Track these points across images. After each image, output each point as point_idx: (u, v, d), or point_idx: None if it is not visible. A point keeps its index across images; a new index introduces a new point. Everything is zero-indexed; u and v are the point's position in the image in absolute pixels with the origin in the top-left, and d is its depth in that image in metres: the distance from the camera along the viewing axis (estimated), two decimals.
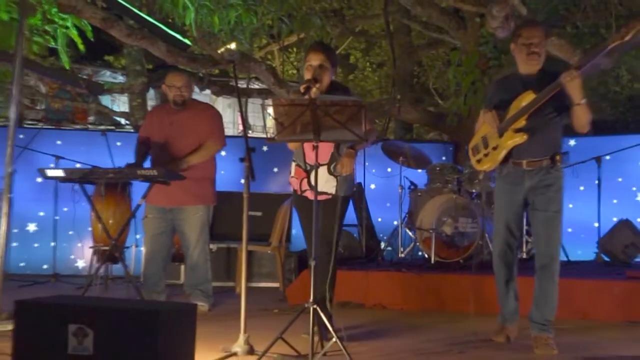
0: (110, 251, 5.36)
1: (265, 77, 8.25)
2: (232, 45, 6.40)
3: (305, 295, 4.00)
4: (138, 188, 5.70)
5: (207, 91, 10.07)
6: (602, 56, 4.06)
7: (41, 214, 7.63)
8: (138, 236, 6.42)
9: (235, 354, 3.75)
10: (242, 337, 3.81)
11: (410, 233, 6.73)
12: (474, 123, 8.55)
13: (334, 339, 3.66)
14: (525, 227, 6.08)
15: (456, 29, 8.94)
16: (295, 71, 15.03)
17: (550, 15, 8.49)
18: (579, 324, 4.98)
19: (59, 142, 7.78)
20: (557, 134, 4.25)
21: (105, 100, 14.92)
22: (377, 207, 7.67)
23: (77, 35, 8.07)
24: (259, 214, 6.74)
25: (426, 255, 6.21)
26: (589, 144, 7.47)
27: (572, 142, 7.75)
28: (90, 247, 6.53)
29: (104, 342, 2.98)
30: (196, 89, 9.97)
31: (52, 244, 7.23)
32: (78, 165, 6.70)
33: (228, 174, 7.21)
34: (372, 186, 8.08)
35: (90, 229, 6.64)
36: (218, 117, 5.45)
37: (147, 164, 5.34)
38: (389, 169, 7.81)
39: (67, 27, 8.01)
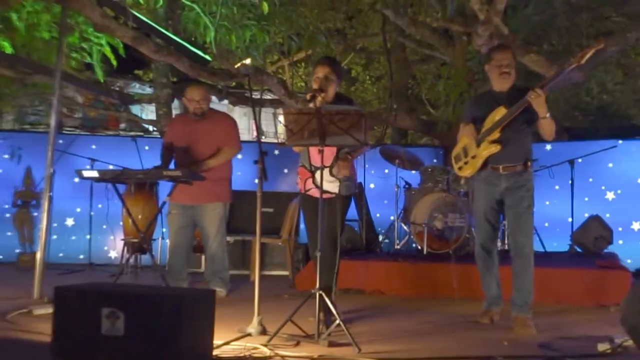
0: (139, 243, 5.37)
1: (276, 89, 8.24)
2: (247, 61, 6.39)
3: (312, 282, 3.99)
4: (164, 187, 5.70)
5: (225, 101, 10.04)
6: (563, 75, 4.20)
7: (78, 210, 7.63)
8: (164, 230, 6.42)
9: (249, 334, 3.74)
10: (255, 319, 3.80)
11: (405, 227, 6.71)
12: None
13: (337, 321, 3.65)
14: (504, 222, 6.09)
15: (446, 46, 8.91)
16: (303, 84, 15.00)
17: (529, 34, 8.48)
18: (554, 308, 4.97)
19: (93, 147, 7.78)
20: (527, 143, 4.36)
21: (135, 109, 14.93)
22: (375, 204, 7.64)
23: (110, 52, 8.09)
24: (271, 210, 6.72)
25: (419, 247, 6.19)
26: (563, 149, 7.46)
27: (548, 147, 7.72)
28: (122, 240, 6.53)
29: (134, 324, 2.97)
30: (215, 99, 9.97)
31: (88, 236, 7.23)
32: (111, 167, 6.70)
33: (244, 174, 7.20)
34: (372, 185, 8.06)
35: (121, 223, 6.64)
36: (234, 125, 5.43)
37: (171, 166, 5.33)
38: (386, 170, 7.78)
39: (101, 45, 8.04)
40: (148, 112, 15.26)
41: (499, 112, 4.23)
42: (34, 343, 3.51)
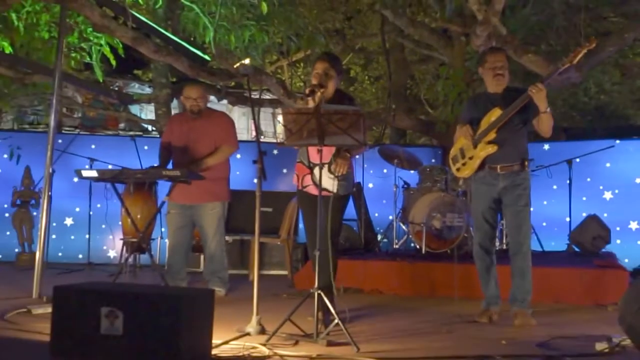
0: (138, 242, 5.36)
1: (275, 89, 8.23)
2: (246, 61, 6.39)
3: (310, 281, 3.99)
4: (163, 187, 5.69)
5: (224, 101, 10.05)
6: (560, 74, 4.26)
7: (77, 209, 7.63)
8: (163, 229, 6.41)
9: (248, 334, 3.74)
10: (254, 319, 3.80)
11: (403, 227, 6.70)
12: None
13: (335, 321, 3.65)
14: (501, 222, 6.13)
15: (444, 46, 8.92)
16: (302, 84, 15.00)
17: (527, 34, 8.47)
18: (552, 307, 4.96)
19: (93, 146, 7.77)
20: (524, 143, 4.42)
21: (134, 109, 14.92)
22: (374, 203, 7.64)
23: (109, 52, 8.08)
24: (269, 209, 6.71)
25: (418, 247, 6.18)
26: (561, 148, 7.46)
27: (546, 147, 7.72)
28: (121, 239, 6.52)
29: (133, 324, 2.97)
30: (214, 99, 9.99)
31: (87, 236, 7.22)
32: (110, 167, 6.69)
33: (243, 174, 7.20)
34: (370, 185, 8.06)
35: (120, 223, 6.63)
36: (231, 123, 5.42)
37: (169, 166, 5.32)
38: (385, 170, 7.78)
39: (101, 45, 8.02)
40: (147, 112, 15.25)
41: (495, 113, 4.30)
42: (33, 342, 3.51)
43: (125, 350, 2.96)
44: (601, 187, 7.61)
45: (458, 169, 4.56)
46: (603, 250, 6.65)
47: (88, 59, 8.38)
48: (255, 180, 3.92)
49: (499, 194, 4.38)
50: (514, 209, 4.33)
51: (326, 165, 4.07)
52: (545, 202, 7.48)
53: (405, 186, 6.84)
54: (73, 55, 8.36)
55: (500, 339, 3.81)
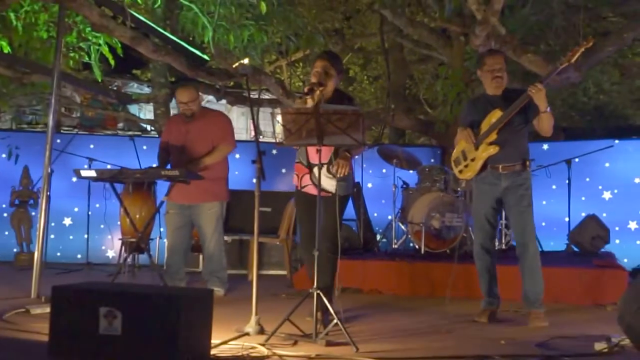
0: (137, 242, 5.36)
1: (274, 89, 8.23)
2: (245, 61, 6.36)
3: (309, 281, 3.98)
4: (162, 187, 5.69)
5: (223, 101, 10.04)
6: (559, 73, 4.29)
7: (76, 209, 7.62)
8: (162, 229, 6.40)
9: (247, 334, 3.73)
10: (253, 319, 3.79)
11: (402, 227, 6.71)
12: None
13: (334, 321, 3.65)
14: (501, 222, 6.15)
15: (443, 46, 8.91)
16: (301, 83, 15.00)
17: (526, 34, 8.47)
18: (551, 307, 4.93)
19: (91, 146, 7.77)
20: (524, 143, 4.45)
21: (133, 109, 14.91)
22: (373, 203, 7.63)
23: (108, 52, 8.06)
24: (268, 209, 6.71)
25: (417, 246, 6.19)
26: (560, 148, 7.46)
27: (545, 147, 7.72)
28: (119, 239, 6.51)
29: (131, 324, 2.97)
30: (213, 99, 9.98)
31: (85, 236, 7.22)
32: (109, 167, 6.68)
33: (242, 174, 7.20)
34: (369, 185, 8.05)
35: (119, 222, 6.62)
36: (228, 122, 5.42)
37: (168, 166, 5.32)
38: (384, 170, 7.78)
39: (99, 45, 8.01)
40: (146, 112, 15.26)
41: (495, 115, 4.33)
42: (31, 342, 3.50)
43: (123, 351, 2.96)
44: (600, 187, 7.61)
45: (460, 171, 4.59)
46: (602, 250, 6.66)
47: (87, 58, 8.37)
48: (254, 180, 3.92)
49: (501, 193, 4.41)
50: (517, 210, 4.37)
51: (325, 166, 4.06)
52: (544, 202, 7.47)
53: (404, 186, 6.84)
54: (71, 54, 8.34)
55: (499, 339, 3.81)
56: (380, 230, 7.55)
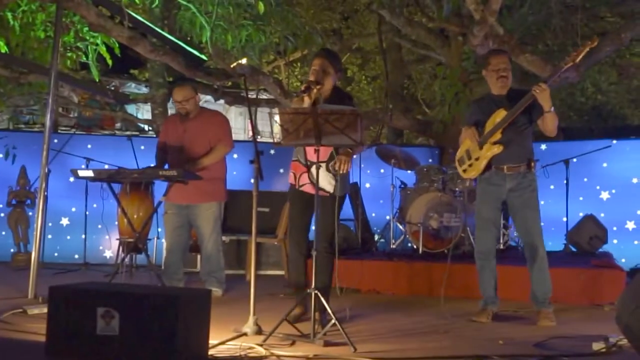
0: (135, 243, 5.35)
1: (272, 89, 8.23)
2: (243, 61, 6.37)
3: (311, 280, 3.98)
4: (159, 187, 5.68)
5: (221, 101, 10.02)
6: (561, 73, 4.29)
7: (73, 209, 7.62)
8: (160, 229, 6.40)
9: (245, 334, 3.73)
10: (251, 319, 3.79)
11: (400, 227, 6.71)
12: (457, 130, 8.60)
13: (332, 321, 3.64)
14: (502, 222, 6.14)
15: (441, 46, 8.92)
16: (299, 83, 14.99)
17: (524, 34, 8.48)
18: None
19: (89, 146, 7.76)
20: (529, 143, 4.47)
21: (131, 109, 14.90)
22: (371, 203, 7.64)
23: (105, 51, 8.06)
24: (266, 209, 6.71)
25: (415, 246, 6.19)
26: (558, 148, 7.47)
27: (543, 147, 7.72)
28: (117, 239, 6.51)
29: (129, 324, 2.96)
30: (211, 99, 9.97)
31: (83, 236, 7.21)
32: (106, 167, 6.68)
33: (239, 174, 7.20)
34: (367, 185, 8.06)
35: (116, 223, 6.62)
36: (226, 122, 5.41)
37: (166, 166, 5.31)
38: (382, 170, 7.79)
39: (97, 44, 8.00)
40: (144, 112, 15.24)
41: (500, 114, 4.34)
42: (28, 343, 3.50)
43: (121, 351, 2.95)
44: (598, 187, 7.62)
45: (464, 171, 4.60)
46: (600, 250, 6.67)
47: (84, 58, 8.35)
48: (252, 180, 3.91)
49: (505, 195, 4.43)
50: (525, 214, 4.39)
51: (324, 164, 4.06)
52: (542, 202, 7.39)
53: (403, 186, 6.84)
54: (69, 54, 8.33)
55: (497, 339, 3.81)
56: (379, 230, 7.55)
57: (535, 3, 8.06)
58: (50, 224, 7.25)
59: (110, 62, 8.18)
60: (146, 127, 13.32)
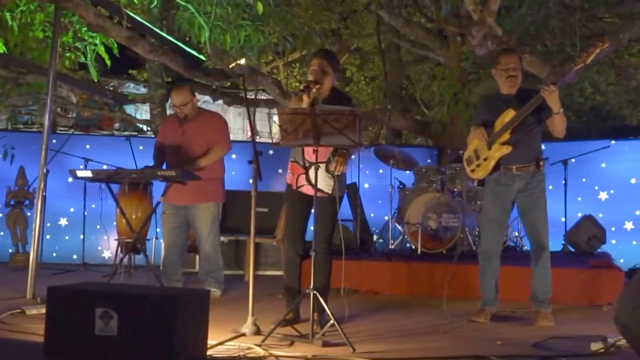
0: (133, 243, 5.34)
1: (271, 89, 8.23)
2: (242, 61, 6.36)
3: (306, 282, 3.98)
4: (158, 187, 5.68)
5: (220, 101, 10.03)
6: (564, 74, 4.30)
7: (71, 209, 7.61)
8: (158, 230, 6.39)
9: (243, 334, 3.73)
10: (250, 319, 3.79)
11: (399, 227, 6.71)
12: (455, 130, 8.61)
13: (331, 321, 3.64)
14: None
15: (440, 47, 8.92)
16: (297, 84, 14.99)
17: (523, 35, 8.49)
18: None
19: (87, 147, 7.75)
20: (538, 142, 4.46)
21: (129, 109, 14.91)
22: (370, 204, 7.64)
23: (104, 52, 8.05)
24: (265, 210, 6.69)
25: (413, 247, 6.19)
26: (556, 149, 7.45)
27: (542, 147, 7.71)
28: (115, 240, 6.50)
29: (127, 324, 2.96)
30: (210, 99, 9.97)
31: (81, 236, 7.19)
32: (105, 167, 6.67)
33: (238, 174, 7.19)
34: (366, 185, 8.06)
35: (115, 223, 6.61)
36: (224, 124, 5.41)
37: (164, 167, 5.31)
38: (381, 171, 7.78)
39: (95, 44, 7.99)
40: (142, 112, 15.26)
41: (508, 114, 4.32)
42: (26, 343, 3.49)
43: (119, 352, 2.95)
44: (596, 188, 7.62)
45: (472, 170, 4.59)
46: (598, 250, 6.67)
47: (83, 58, 8.35)
48: (251, 181, 3.91)
49: (514, 196, 4.42)
50: (534, 215, 4.39)
51: (323, 165, 4.06)
52: None
53: (401, 186, 6.84)
54: (67, 54, 8.33)
55: (496, 339, 3.81)
56: (377, 231, 7.55)
57: (533, 3, 8.06)
58: (48, 225, 7.24)
59: (108, 62, 8.18)
60: (145, 128, 13.33)
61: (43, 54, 7.97)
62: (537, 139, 4.43)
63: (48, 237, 7.14)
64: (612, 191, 7.56)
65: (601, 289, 5.25)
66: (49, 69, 5.39)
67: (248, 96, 4.77)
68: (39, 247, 5.17)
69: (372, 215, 7.76)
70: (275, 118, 3.78)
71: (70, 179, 7.04)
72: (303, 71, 14.03)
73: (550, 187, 7.34)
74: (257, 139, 11.56)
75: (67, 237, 7.62)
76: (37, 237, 5.10)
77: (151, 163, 5.32)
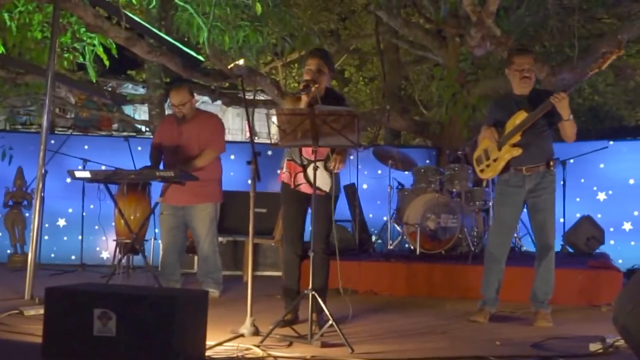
0: (132, 244, 5.34)
1: (269, 90, 8.22)
2: (241, 62, 6.35)
3: (304, 283, 3.98)
4: (156, 188, 5.67)
5: (218, 102, 10.03)
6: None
7: (70, 210, 7.60)
8: (157, 230, 6.39)
9: (242, 335, 3.73)
10: (248, 320, 3.79)
11: (398, 227, 6.71)
12: (454, 131, 8.61)
13: (330, 322, 3.64)
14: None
15: (439, 47, 8.92)
16: (296, 84, 14.98)
17: (521, 36, 8.49)
18: None
19: (86, 147, 7.75)
20: (549, 144, 4.46)
21: (128, 109, 14.89)
22: (368, 204, 7.63)
23: (102, 52, 8.05)
24: (263, 210, 6.68)
25: (412, 247, 6.19)
26: (555, 149, 7.43)
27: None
28: (114, 240, 6.50)
29: (126, 325, 2.96)
30: (208, 99, 9.97)
31: (80, 237, 7.19)
32: (103, 168, 6.67)
33: (237, 175, 7.19)
34: (365, 186, 8.05)
35: (113, 224, 6.61)
36: (219, 125, 5.41)
37: (161, 167, 5.31)
38: (379, 171, 7.77)
39: (94, 45, 7.99)
40: (141, 113, 15.25)
41: (520, 116, 4.31)
42: (24, 344, 3.49)
43: (118, 352, 2.95)
44: (595, 188, 7.63)
45: (482, 170, 4.60)
46: (597, 251, 6.68)
47: (81, 59, 8.35)
48: (250, 181, 3.91)
49: (525, 197, 4.42)
50: (542, 215, 4.40)
51: (321, 163, 4.05)
52: None
53: (400, 187, 6.84)
54: (66, 55, 8.33)
55: (495, 340, 3.81)
56: (376, 231, 7.55)
57: (532, 4, 8.07)
58: (47, 225, 7.22)
59: (107, 62, 8.18)
60: (143, 128, 13.32)
61: (41, 55, 7.97)
62: (548, 140, 4.42)
63: (46, 237, 7.13)
64: (610, 192, 7.57)
65: (600, 290, 5.25)
66: (47, 69, 5.39)
67: (247, 97, 4.76)
68: (37, 248, 5.16)
69: (370, 215, 7.76)
70: (274, 118, 3.78)
71: (68, 180, 7.04)
72: (301, 72, 14.01)
73: None
74: (256, 140, 11.57)
75: (65, 238, 7.62)
76: (36, 238, 5.09)
77: (148, 164, 5.32)
